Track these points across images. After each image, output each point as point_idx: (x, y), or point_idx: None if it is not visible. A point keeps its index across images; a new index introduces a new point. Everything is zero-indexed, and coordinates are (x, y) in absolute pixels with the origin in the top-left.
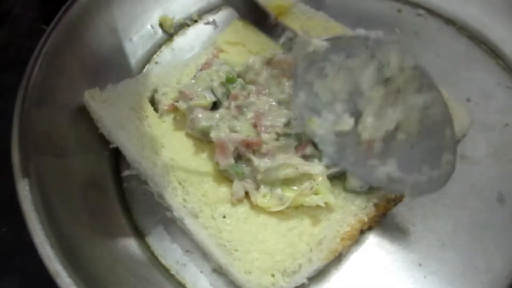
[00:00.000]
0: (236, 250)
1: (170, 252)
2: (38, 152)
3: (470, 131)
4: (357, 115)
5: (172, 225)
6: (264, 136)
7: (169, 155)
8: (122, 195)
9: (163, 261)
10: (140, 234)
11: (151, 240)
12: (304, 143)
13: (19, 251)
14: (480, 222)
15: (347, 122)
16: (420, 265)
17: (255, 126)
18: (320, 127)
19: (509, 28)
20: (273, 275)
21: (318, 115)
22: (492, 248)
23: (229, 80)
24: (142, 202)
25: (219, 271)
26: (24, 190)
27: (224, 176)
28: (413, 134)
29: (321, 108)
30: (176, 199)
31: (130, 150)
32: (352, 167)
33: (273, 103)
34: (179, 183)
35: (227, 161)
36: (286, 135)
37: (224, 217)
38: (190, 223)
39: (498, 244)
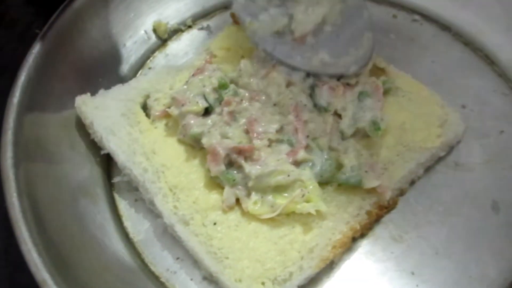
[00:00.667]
0: (227, 258)
1: (160, 259)
2: (28, 157)
3: (465, 138)
4: (289, 18)
5: (163, 232)
6: (256, 142)
7: (161, 161)
8: (112, 202)
9: (153, 268)
10: (130, 241)
11: (141, 247)
12: (296, 149)
13: (7, 259)
14: (474, 230)
15: (281, 21)
16: (413, 273)
17: (247, 132)
18: (259, 28)
19: (505, 34)
20: (263, 283)
21: (256, 19)
22: (486, 257)
23: (222, 86)
24: (133, 208)
25: (209, 279)
26: (12, 197)
27: (215, 183)
28: (337, 24)
29: (258, 12)
30: (167, 206)
31: (121, 156)
32: (291, 60)
33: (266, 108)
34: (170, 189)
35: (219, 168)
36: (279, 141)
37: (215, 224)
38: (180, 230)
39: (492, 252)
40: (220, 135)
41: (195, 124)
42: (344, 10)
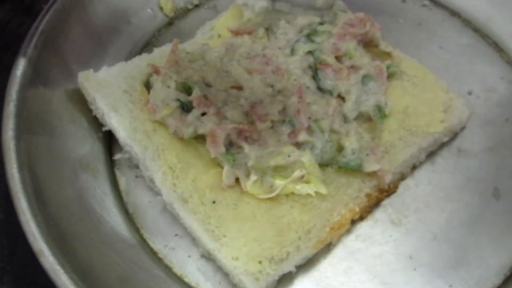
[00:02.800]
0: (224, 236)
1: (158, 236)
2: (29, 130)
3: (470, 125)
4: None
5: (162, 209)
6: (260, 126)
7: (161, 140)
8: (113, 178)
9: (151, 244)
10: (129, 217)
11: (140, 222)
12: (297, 130)
13: (8, 230)
14: (474, 216)
15: None
16: (410, 257)
17: (247, 114)
18: None
19: None
20: (260, 262)
21: None
22: (485, 243)
23: (187, 89)
24: (133, 185)
25: (207, 256)
26: (12, 168)
27: (215, 162)
28: None
29: None
30: (166, 184)
31: (122, 133)
32: None
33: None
34: (170, 167)
35: (218, 149)
36: (280, 121)
37: (213, 202)
38: (179, 208)
39: (491, 239)
40: (212, 121)
41: (183, 127)
42: None
